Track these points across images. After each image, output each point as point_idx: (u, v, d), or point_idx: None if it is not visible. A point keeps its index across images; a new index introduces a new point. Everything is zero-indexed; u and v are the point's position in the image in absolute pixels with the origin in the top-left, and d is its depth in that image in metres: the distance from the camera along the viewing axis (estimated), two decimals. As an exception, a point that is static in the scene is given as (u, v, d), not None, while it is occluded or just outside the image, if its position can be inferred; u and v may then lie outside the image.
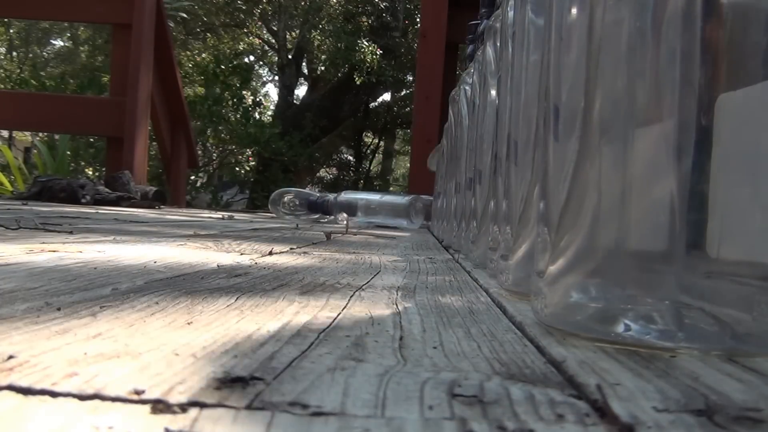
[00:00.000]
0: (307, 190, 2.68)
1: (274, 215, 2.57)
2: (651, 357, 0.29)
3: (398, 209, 2.15)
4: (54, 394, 0.20)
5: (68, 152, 5.43)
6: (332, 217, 2.28)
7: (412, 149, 3.37)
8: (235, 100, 7.31)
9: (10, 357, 0.23)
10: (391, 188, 9.97)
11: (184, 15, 8.24)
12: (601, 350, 0.30)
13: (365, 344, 0.30)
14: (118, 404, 0.19)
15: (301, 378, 0.23)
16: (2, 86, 8.38)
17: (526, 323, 0.37)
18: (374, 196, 2.26)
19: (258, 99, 8.98)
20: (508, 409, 0.21)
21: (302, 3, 9.00)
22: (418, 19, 6.93)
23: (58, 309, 0.33)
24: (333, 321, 0.35)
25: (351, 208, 2.20)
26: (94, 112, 3.87)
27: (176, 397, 0.20)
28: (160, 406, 0.19)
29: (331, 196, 2.33)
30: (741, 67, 0.31)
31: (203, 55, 9.24)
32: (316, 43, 9.24)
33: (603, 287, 0.33)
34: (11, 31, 11.27)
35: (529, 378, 0.25)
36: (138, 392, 0.20)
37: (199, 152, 6.83)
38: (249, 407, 0.19)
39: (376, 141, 10.36)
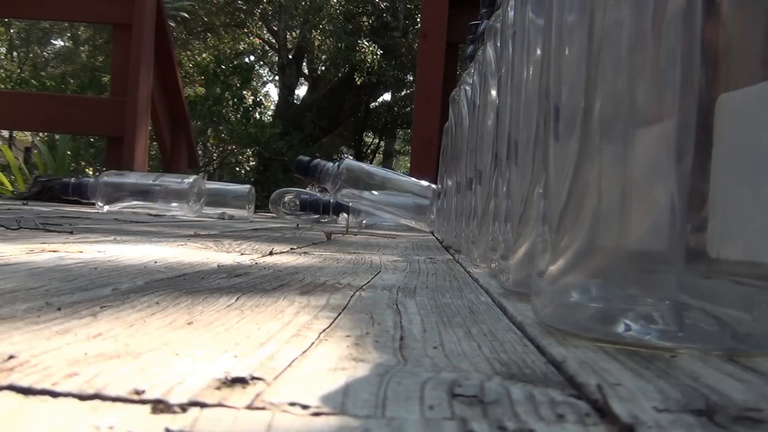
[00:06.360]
0: (307, 190, 2.67)
1: (274, 215, 2.57)
2: (651, 357, 0.29)
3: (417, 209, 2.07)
4: (54, 394, 0.20)
5: (68, 152, 5.43)
6: (333, 216, 2.28)
7: (412, 149, 3.36)
8: (235, 100, 7.32)
9: (11, 357, 0.23)
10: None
11: (185, 15, 8.24)
12: (601, 350, 0.30)
13: (365, 344, 0.30)
14: (119, 404, 0.19)
15: (301, 378, 0.23)
16: (2, 86, 8.38)
17: (526, 323, 0.37)
18: (380, 196, 2.21)
19: (258, 99, 8.98)
20: (509, 409, 0.21)
21: (302, 3, 9.00)
22: (418, 19, 6.93)
23: (59, 309, 0.33)
24: (333, 321, 0.35)
25: (353, 209, 2.18)
26: (94, 112, 3.86)
27: (176, 397, 0.20)
28: (160, 406, 0.19)
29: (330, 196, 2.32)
30: (741, 67, 0.31)
31: (203, 55, 9.24)
32: (317, 43, 9.24)
33: (603, 287, 0.33)
34: (11, 31, 11.27)
35: (529, 378, 0.25)
36: (138, 392, 0.20)
37: (200, 152, 6.83)
38: (249, 407, 0.19)
39: (377, 141, 10.36)
